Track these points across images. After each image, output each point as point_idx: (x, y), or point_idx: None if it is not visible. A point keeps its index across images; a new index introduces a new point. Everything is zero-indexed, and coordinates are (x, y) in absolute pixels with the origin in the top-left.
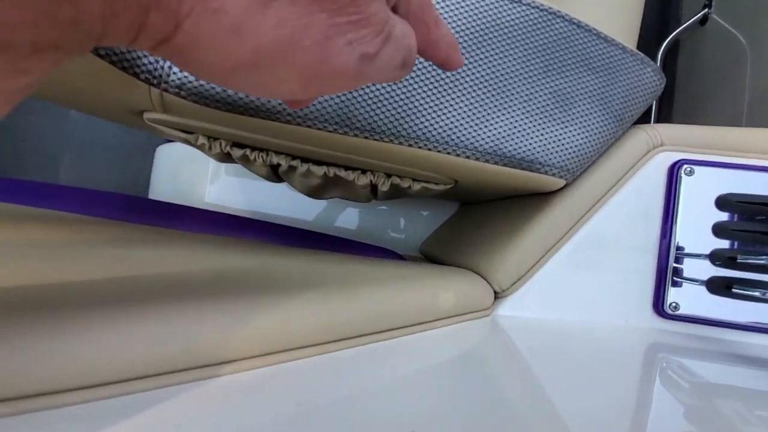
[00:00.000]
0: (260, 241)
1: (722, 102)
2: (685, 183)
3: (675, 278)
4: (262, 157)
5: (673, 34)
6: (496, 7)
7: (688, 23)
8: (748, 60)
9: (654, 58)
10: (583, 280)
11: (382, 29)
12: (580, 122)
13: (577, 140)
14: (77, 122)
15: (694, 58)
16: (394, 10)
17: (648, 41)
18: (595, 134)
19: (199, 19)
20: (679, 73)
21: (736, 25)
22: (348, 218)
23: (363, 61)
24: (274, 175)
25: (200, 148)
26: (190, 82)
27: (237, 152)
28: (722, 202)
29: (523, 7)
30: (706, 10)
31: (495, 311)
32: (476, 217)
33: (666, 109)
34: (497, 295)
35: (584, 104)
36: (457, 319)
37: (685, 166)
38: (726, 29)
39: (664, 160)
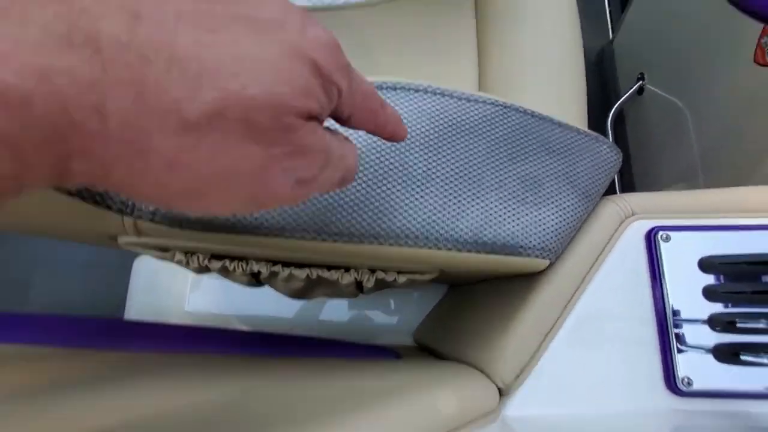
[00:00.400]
0: (241, 355)
1: (676, 162)
2: (665, 249)
3: (679, 346)
4: (241, 266)
5: (616, 106)
6: (456, 108)
7: (626, 95)
8: (689, 121)
9: (603, 130)
10: (588, 362)
11: (319, 157)
12: (552, 202)
13: (552, 220)
14: (47, 242)
15: (641, 125)
16: (339, 108)
17: (594, 115)
18: (568, 212)
19: (130, 161)
20: (630, 141)
21: (670, 92)
22: (336, 309)
23: (300, 185)
24: (256, 281)
25: (177, 263)
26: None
27: (215, 264)
28: (706, 265)
29: (479, 105)
30: (641, 81)
31: (503, 412)
32: (467, 299)
33: (627, 176)
34: (502, 392)
35: (552, 185)
36: (464, 430)
37: (660, 232)
38: (663, 96)
39: (639, 228)
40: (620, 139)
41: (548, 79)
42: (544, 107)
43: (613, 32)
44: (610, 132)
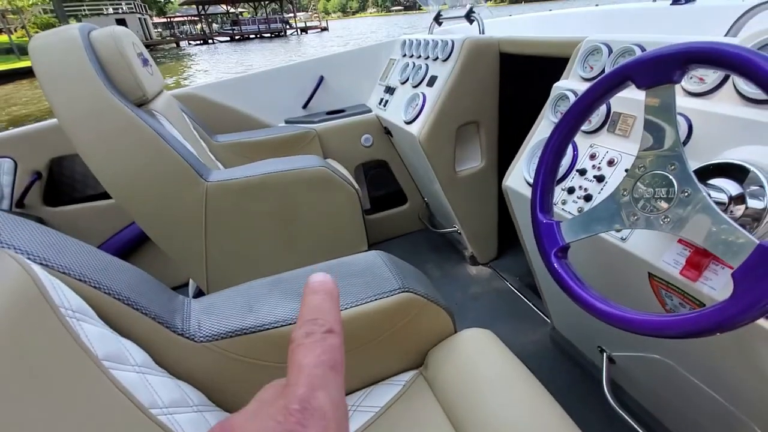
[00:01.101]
0: None
1: (705, 410)
2: None
3: None
4: None
5: (604, 383)
6: None
7: (605, 370)
8: (676, 366)
9: (609, 411)
10: None
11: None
12: None
13: None
14: None
15: (641, 387)
16: None
17: (594, 399)
18: None
19: None
20: (645, 405)
21: (637, 349)
22: None
23: None
24: None
25: None
26: None
27: None
28: None
29: None
30: (604, 353)
31: None
32: None
33: None
34: None
35: None
36: None
37: None
38: (635, 356)
39: None
40: (634, 410)
41: None
42: None
43: (549, 319)
44: (618, 409)
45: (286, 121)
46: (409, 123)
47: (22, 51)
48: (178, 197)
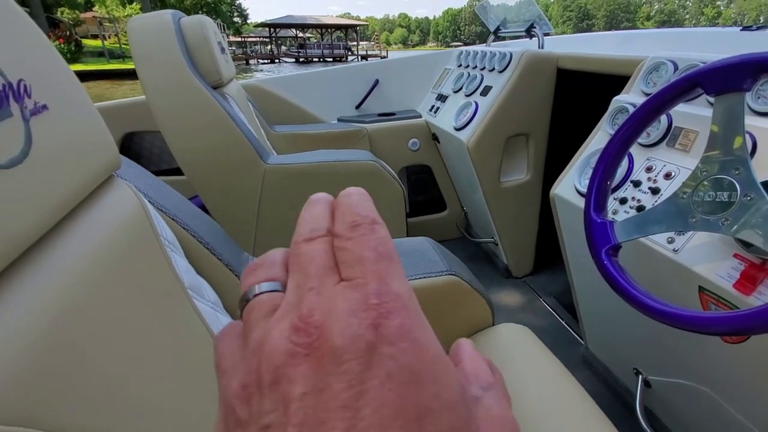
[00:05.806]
0: None
1: None
2: None
3: None
4: None
5: (637, 408)
6: None
7: (638, 394)
8: (715, 396)
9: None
10: None
11: None
12: None
13: None
14: None
15: (676, 417)
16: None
17: (627, 422)
18: None
19: None
20: None
21: (678, 376)
22: None
23: None
24: None
25: None
26: None
27: None
28: None
29: None
30: (640, 375)
31: None
32: None
33: None
34: None
35: None
36: None
37: None
38: (674, 382)
39: None
40: None
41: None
42: None
43: (582, 338)
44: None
45: (339, 119)
46: (458, 129)
47: (111, 55)
48: (239, 175)
